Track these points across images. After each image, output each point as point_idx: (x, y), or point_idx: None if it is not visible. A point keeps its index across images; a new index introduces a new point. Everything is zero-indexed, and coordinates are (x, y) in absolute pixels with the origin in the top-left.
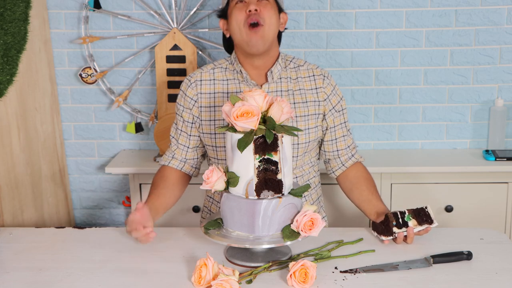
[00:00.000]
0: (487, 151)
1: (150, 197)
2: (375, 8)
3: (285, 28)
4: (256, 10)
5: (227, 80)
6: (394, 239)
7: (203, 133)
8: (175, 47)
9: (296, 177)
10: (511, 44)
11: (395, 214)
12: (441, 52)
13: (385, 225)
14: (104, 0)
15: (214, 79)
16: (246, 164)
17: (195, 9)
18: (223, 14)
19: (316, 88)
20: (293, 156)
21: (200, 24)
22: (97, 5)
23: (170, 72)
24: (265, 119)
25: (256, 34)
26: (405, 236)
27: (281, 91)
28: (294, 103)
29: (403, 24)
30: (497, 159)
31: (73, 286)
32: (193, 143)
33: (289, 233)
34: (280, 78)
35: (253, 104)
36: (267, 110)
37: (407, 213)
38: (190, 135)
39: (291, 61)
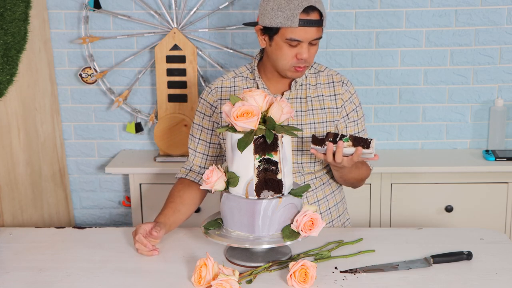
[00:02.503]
0: (487, 151)
1: (166, 210)
2: (375, 8)
3: None
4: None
5: (248, 88)
6: (324, 154)
7: (224, 139)
8: (175, 47)
9: (316, 178)
10: (511, 44)
11: (336, 133)
12: (441, 52)
13: (321, 138)
14: (104, 0)
15: (235, 86)
16: (246, 164)
17: (195, 9)
18: (267, 30)
19: (335, 95)
20: (312, 162)
21: (200, 24)
22: (97, 5)
23: (170, 72)
24: (265, 119)
25: (298, 73)
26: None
27: (300, 98)
28: (312, 109)
29: (403, 24)
30: (497, 159)
31: (73, 286)
32: (212, 151)
33: (289, 233)
34: (301, 85)
35: (253, 104)
36: (267, 110)
37: (347, 136)
38: (210, 143)
39: (312, 66)
